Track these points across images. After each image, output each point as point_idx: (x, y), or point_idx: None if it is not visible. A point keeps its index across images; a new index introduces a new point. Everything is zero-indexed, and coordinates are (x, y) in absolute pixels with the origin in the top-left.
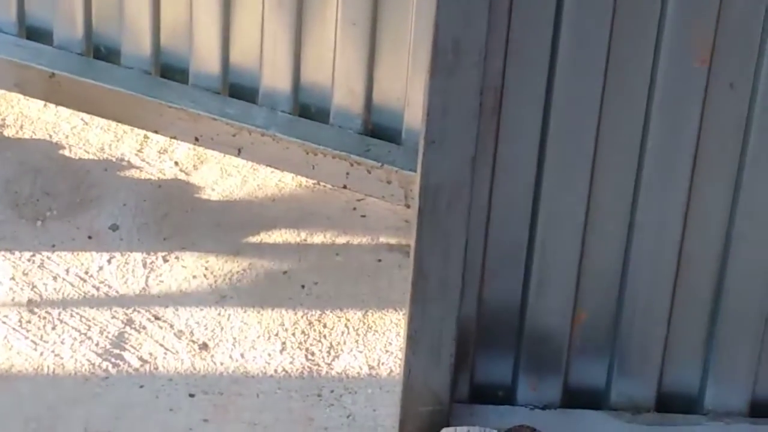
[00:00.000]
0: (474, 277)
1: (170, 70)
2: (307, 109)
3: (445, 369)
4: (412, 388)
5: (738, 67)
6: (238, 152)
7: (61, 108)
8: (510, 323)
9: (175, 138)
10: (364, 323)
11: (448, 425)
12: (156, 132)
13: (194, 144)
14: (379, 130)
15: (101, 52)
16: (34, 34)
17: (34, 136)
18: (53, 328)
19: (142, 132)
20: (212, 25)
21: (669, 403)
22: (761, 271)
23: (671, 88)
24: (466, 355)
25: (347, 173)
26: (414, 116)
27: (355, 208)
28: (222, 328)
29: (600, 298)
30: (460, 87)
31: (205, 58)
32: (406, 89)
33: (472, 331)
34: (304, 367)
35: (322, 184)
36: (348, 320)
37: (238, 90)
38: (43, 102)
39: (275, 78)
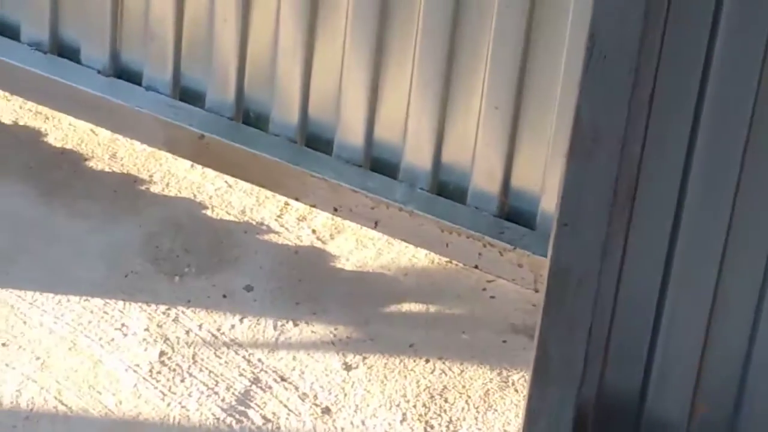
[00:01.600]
0: (596, 361)
1: (315, 140)
2: (446, 188)
3: None
4: None
5: None
6: (375, 225)
7: (207, 169)
8: (629, 410)
9: (314, 207)
10: (485, 401)
11: None
12: (297, 199)
13: (333, 214)
14: (514, 213)
15: (250, 117)
16: (187, 95)
17: (179, 195)
18: (182, 381)
19: (283, 198)
20: (360, 100)
21: None
22: None
23: None
24: None
25: (480, 254)
26: (550, 202)
27: (484, 289)
28: (345, 394)
29: (720, 393)
30: (596, 172)
31: (350, 131)
32: (544, 175)
33: (590, 415)
34: None
35: (454, 262)
36: (469, 397)
37: (380, 164)
38: (190, 162)
39: (417, 155)
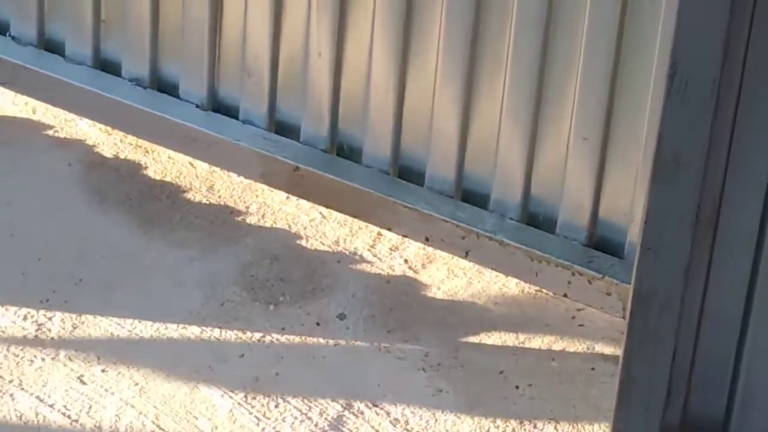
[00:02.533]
0: (681, 386)
1: (408, 172)
2: (535, 218)
3: None
4: None
5: None
6: (466, 254)
7: (302, 201)
8: None
9: (406, 236)
10: (574, 428)
11: None
12: (389, 230)
13: (425, 244)
14: (603, 242)
15: (344, 150)
16: (283, 129)
17: (274, 225)
18: (276, 406)
19: (376, 229)
20: (451, 132)
21: None
22: None
23: None
24: None
25: (569, 282)
26: (638, 232)
27: (574, 317)
28: (436, 420)
29: None
30: (678, 197)
31: (442, 163)
32: (632, 205)
33: None
34: None
35: (543, 291)
36: (557, 423)
37: (471, 195)
38: (285, 194)
39: (507, 186)
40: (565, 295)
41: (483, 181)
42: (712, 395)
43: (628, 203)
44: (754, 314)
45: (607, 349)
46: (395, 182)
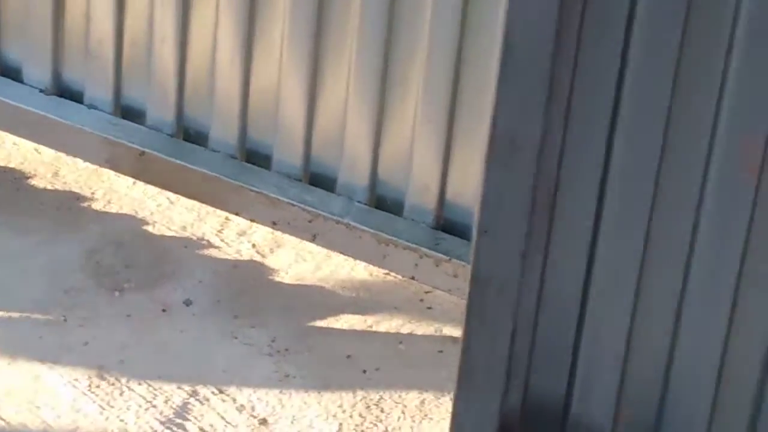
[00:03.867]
0: (521, 369)
1: (255, 156)
2: (383, 201)
3: None
4: None
5: None
6: (313, 238)
7: (149, 186)
8: (554, 417)
9: (254, 221)
10: (421, 411)
11: None
12: (237, 214)
13: (272, 228)
14: (450, 225)
15: (190, 134)
16: (128, 113)
17: (120, 211)
18: (120, 395)
19: (224, 214)
20: (297, 115)
21: None
22: None
23: (720, 196)
24: None
25: (416, 265)
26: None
27: (422, 300)
28: (283, 406)
29: (644, 398)
30: (514, 182)
31: (289, 147)
32: (479, 187)
33: (516, 422)
34: None
35: (392, 274)
36: (405, 406)
37: (318, 179)
38: (132, 179)
39: (354, 169)
40: (413, 278)
41: (330, 164)
42: (552, 377)
43: (475, 186)
44: (593, 296)
45: (456, 332)
46: (242, 167)
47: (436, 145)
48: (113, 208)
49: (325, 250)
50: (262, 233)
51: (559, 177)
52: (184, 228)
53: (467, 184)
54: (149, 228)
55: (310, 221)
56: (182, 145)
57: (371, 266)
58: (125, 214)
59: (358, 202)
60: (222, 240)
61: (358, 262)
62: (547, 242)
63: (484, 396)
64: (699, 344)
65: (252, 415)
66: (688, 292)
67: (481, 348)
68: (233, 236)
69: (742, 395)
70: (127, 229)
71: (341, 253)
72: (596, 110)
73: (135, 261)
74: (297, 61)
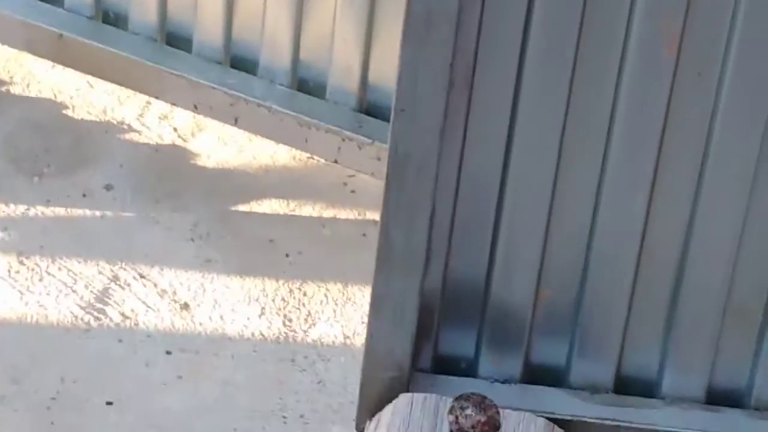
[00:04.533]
0: (441, 250)
1: (175, 39)
2: (305, 84)
3: (406, 337)
4: (374, 353)
5: (706, 57)
6: (235, 122)
7: (68, 70)
8: (474, 297)
9: (174, 105)
10: (344, 294)
11: (407, 392)
12: (157, 98)
13: (193, 111)
14: (373, 108)
15: (110, 17)
16: None
17: (39, 95)
18: (40, 280)
19: (145, 97)
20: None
21: (627, 386)
22: (721, 262)
23: (639, 75)
24: (431, 326)
25: (339, 148)
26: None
27: (345, 183)
28: (204, 290)
29: (564, 278)
30: (431, 59)
31: (209, 29)
32: None
33: (437, 302)
34: (280, 333)
35: (315, 158)
36: (328, 290)
37: (240, 62)
38: (51, 63)
39: (275, 52)
40: (336, 162)
41: (252, 46)
42: (472, 256)
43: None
44: (512, 174)
45: (378, 215)
46: (163, 49)
47: (358, 27)
48: (32, 93)
49: (247, 134)
50: (183, 117)
51: (477, 53)
52: (104, 112)
53: (390, 67)
54: (69, 112)
55: (231, 105)
56: (102, 28)
57: (294, 150)
58: (44, 99)
59: (280, 84)
60: (143, 124)
61: (281, 146)
62: (466, 119)
63: (403, 276)
64: (619, 223)
65: (174, 300)
66: (608, 169)
67: (400, 228)
68: (154, 120)
69: (661, 275)
70: (47, 114)
71: (263, 136)
72: None
73: (54, 145)
74: None
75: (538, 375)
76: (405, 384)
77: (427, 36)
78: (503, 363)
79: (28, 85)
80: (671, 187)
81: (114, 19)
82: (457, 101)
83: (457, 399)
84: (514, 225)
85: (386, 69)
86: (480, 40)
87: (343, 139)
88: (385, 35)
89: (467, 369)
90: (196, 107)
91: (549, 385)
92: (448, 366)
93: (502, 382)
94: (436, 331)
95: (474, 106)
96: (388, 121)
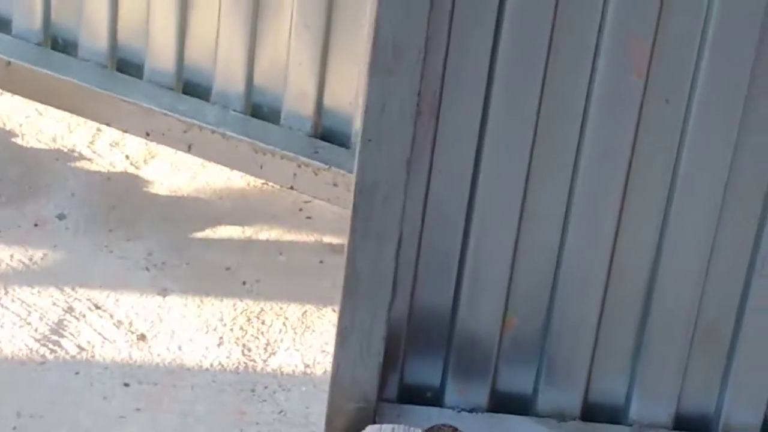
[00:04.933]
0: (407, 278)
1: (126, 65)
2: (259, 109)
3: (373, 367)
4: (340, 383)
5: (674, 83)
6: (189, 148)
7: (16, 97)
8: (441, 326)
9: (126, 131)
10: (303, 322)
11: (374, 423)
12: (108, 125)
13: (145, 138)
14: (328, 133)
15: (58, 43)
16: None
17: None
18: None
19: (95, 125)
20: (168, 22)
21: (595, 413)
22: (689, 287)
23: (608, 99)
24: (397, 355)
25: (294, 174)
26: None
27: (301, 209)
28: (161, 320)
29: (530, 305)
30: (398, 87)
31: (161, 55)
32: (357, 94)
33: (403, 332)
34: (240, 363)
35: (270, 184)
36: (287, 318)
37: (192, 87)
38: None
39: (229, 77)
40: (292, 188)
41: (204, 72)
42: (439, 284)
43: (353, 93)
44: (479, 202)
45: (336, 241)
46: (113, 76)
47: (312, 51)
48: None
49: (200, 161)
50: (135, 144)
51: (443, 80)
52: (54, 140)
53: (345, 92)
54: (18, 140)
55: (185, 131)
56: (50, 54)
57: (249, 177)
58: None
59: (234, 110)
60: (94, 152)
61: (235, 173)
62: (432, 148)
63: (370, 307)
64: (587, 248)
65: (130, 331)
66: (576, 194)
67: (366, 258)
68: (105, 147)
69: (629, 300)
70: None
71: (218, 163)
72: (480, 13)
73: (5, 174)
74: None
75: (505, 403)
76: (372, 415)
77: (395, 64)
78: (470, 392)
79: None
80: (639, 212)
81: (63, 46)
82: (424, 129)
83: (428, 430)
84: (480, 252)
85: (341, 93)
86: (446, 66)
87: (299, 165)
88: (339, 59)
89: (433, 398)
90: (148, 134)
91: (516, 413)
92: (414, 395)
93: (469, 411)
94: (402, 361)
95: (440, 134)
96: (343, 146)
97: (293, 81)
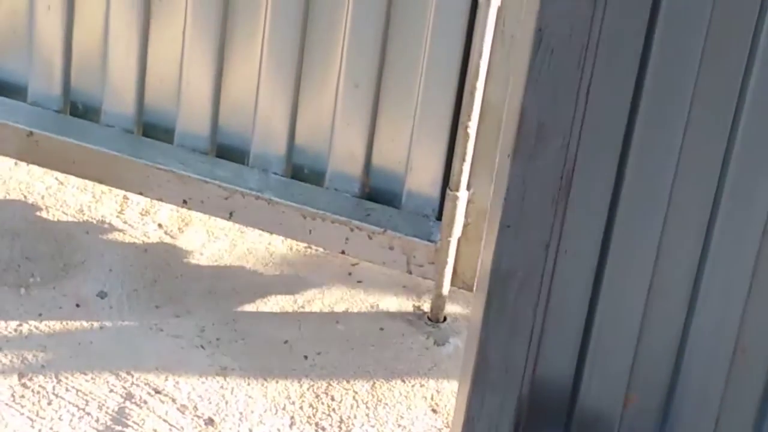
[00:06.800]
0: (530, 356)
1: (153, 130)
2: (300, 171)
3: None
4: None
5: None
6: (230, 216)
7: (32, 167)
8: (561, 403)
9: (161, 200)
10: (373, 396)
11: None
12: (141, 194)
13: (182, 207)
14: (376, 193)
15: (79, 109)
16: (8, 89)
17: (8, 197)
18: (49, 404)
19: (121, 192)
20: (203, 83)
21: None
22: None
23: (741, 183)
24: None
25: (347, 239)
26: (416, 181)
27: (350, 273)
28: (227, 402)
29: (653, 384)
30: (540, 172)
31: (194, 117)
32: (409, 153)
33: (524, 410)
34: None
35: (314, 248)
36: (356, 392)
37: (225, 151)
38: (13, 160)
39: (268, 138)
40: (343, 252)
41: (241, 135)
42: (561, 362)
43: (404, 152)
44: (605, 281)
45: (392, 307)
46: (141, 141)
47: (362, 111)
48: (0, 195)
49: (237, 226)
50: (166, 212)
51: (575, 164)
52: (81, 211)
53: (394, 150)
54: (43, 214)
55: (226, 198)
56: (71, 121)
57: (290, 240)
58: (14, 200)
59: (274, 173)
60: (125, 222)
61: (274, 236)
62: (562, 228)
63: (500, 394)
64: (712, 328)
65: (196, 416)
66: (704, 277)
67: (498, 346)
68: (136, 217)
69: (752, 377)
70: (20, 217)
71: (262, 230)
72: (616, 90)
73: (36, 252)
74: (204, 21)
75: None
76: None
77: (539, 149)
78: None
79: None
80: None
81: (84, 112)
82: (558, 213)
83: None
84: (603, 329)
85: (390, 153)
86: (579, 147)
87: (351, 229)
88: (389, 119)
89: None
90: (185, 202)
91: None
92: None
93: None
94: None
95: (570, 214)
96: (393, 206)
97: (340, 141)
